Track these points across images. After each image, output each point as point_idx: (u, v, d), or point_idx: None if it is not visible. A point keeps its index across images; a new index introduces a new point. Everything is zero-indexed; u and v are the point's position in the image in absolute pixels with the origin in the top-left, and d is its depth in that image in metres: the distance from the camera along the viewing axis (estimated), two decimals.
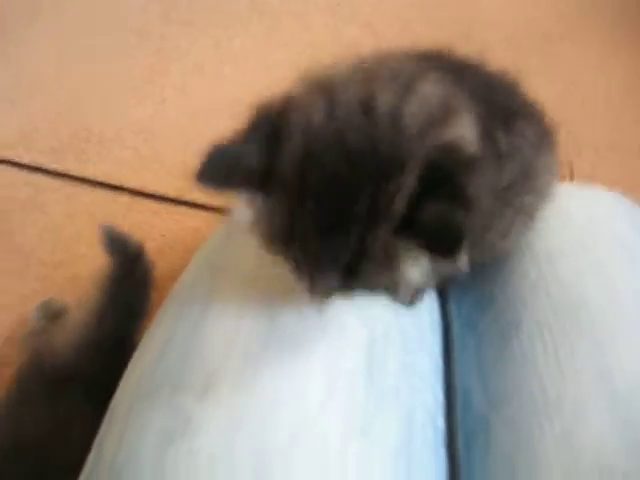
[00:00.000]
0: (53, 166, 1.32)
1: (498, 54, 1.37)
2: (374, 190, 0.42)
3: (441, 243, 0.41)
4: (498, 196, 0.52)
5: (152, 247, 1.19)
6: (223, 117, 1.30)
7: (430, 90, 0.47)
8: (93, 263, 1.19)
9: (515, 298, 0.61)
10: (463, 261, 0.44)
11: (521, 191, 0.57)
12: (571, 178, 1.22)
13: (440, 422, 0.59)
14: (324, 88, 0.47)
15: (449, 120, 0.45)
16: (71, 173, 1.30)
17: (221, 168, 0.46)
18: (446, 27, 1.47)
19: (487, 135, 0.48)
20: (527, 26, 1.47)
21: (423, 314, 0.66)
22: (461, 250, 0.41)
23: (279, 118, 0.48)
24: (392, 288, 0.49)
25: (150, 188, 1.27)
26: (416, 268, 0.46)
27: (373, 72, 0.48)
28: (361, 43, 1.46)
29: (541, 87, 1.31)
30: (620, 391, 0.49)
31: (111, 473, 0.50)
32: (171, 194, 1.26)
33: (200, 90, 1.39)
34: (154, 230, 1.22)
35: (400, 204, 0.42)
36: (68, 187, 1.29)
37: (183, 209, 1.24)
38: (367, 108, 0.44)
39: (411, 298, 0.63)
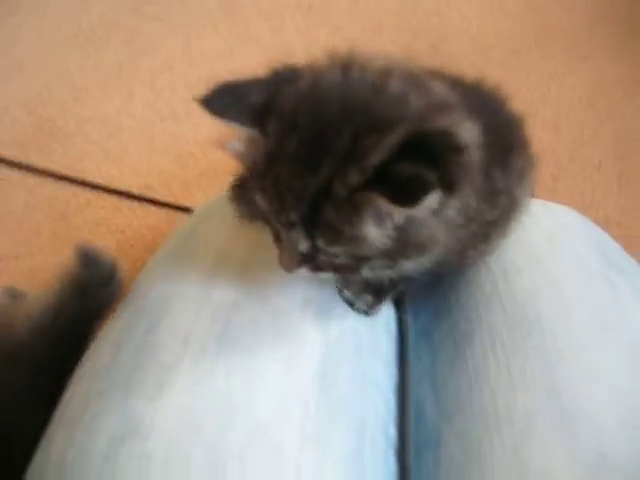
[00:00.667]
0: (16, 157, 1.30)
1: (466, 65, 1.39)
2: (357, 136, 0.43)
3: (405, 192, 0.42)
4: (485, 225, 0.54)
5: (112, 243, 1.19)
6: (190, 118, 1.31)
7: (439, 89, 0.49)
8: (52, 256, 1.19)
9: (470, 310, 0.62)
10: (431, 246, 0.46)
11: (504, 221, 0.58)
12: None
13: (392, 430, 0.60)
14: (346, 64, 0.49)
15: (450, 113, 0.46)
16: (34, 165, 1.28)
17: (226, 99, 0.48)
18: (417, 36, 1.48)
19: (486, 171, 0.49)
20: (496, 39, 1.48)
21: (378, 322, 0.66)
22: (422, 202, 0.42)
23: (293, 72, 0.51)
24: (353, 262, 0.49)
25: (113, 184, 1.26)
26: (378, 230, 0.46)
27: (395, 66, 0.49)
28: (331, 45, 1.46)
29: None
30: (567, 409, 0.50)
31: (59, 472, 0.50)
32: (134, 191, 1.25)
33: (168, 89, 1.39)
34: (114, 226, 1.21)
35: (377, 157, 0.43)
36: (30, 179, 1.28)
37: (145, 206, 1.23)
38: (378, 85, 0.46)
39: (369, 306, 0.63)
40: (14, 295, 0.96)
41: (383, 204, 0.43)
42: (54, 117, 1.36)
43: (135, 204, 1.24)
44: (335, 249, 0.47)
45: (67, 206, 1.24)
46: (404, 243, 0.47)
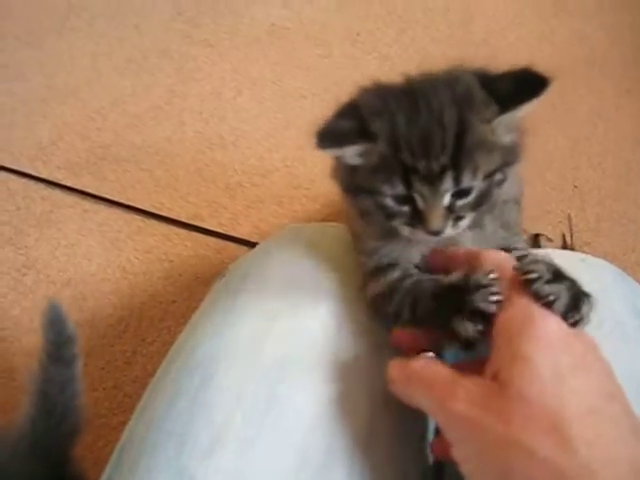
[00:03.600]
0: (69, 182, 1.34)
1: None
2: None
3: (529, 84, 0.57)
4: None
5: (160, 272, 1.23)
6: (237, 147, 1.34)
7: None
8: (101, 284, 1.23)
9: None
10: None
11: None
12: (570, 233, 1.24)
13: None
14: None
15: None
16: (87, 190, 1.32)
17: (331, 135, 0.56)
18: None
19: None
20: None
21: None
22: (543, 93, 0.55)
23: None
24: (485, 189, 0.56)
25: (163, 212, 1.29)
26: (508, 135, 0.56)
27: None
28: (378, 75, 1.48)
29: (552, 137, 1.34)
30: None
31: None
32: (183, 219, 1.28)
33: (217, 116, 1.42)
34: (164, 255, 1.25)
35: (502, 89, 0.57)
36: (83, 204, 1.32)
37: (194, 236, 1.26)
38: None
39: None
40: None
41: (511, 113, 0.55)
42: (107, 143, 1.39)
43: (184, 233, 1.27)
44: (475, 181, 0.54)
45: (118, 234, 1.28)
46: (515, 145, 0.57)
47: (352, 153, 0.55)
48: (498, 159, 0.55)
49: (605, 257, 1.09)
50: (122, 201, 1.32)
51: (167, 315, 1.19)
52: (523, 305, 0.49)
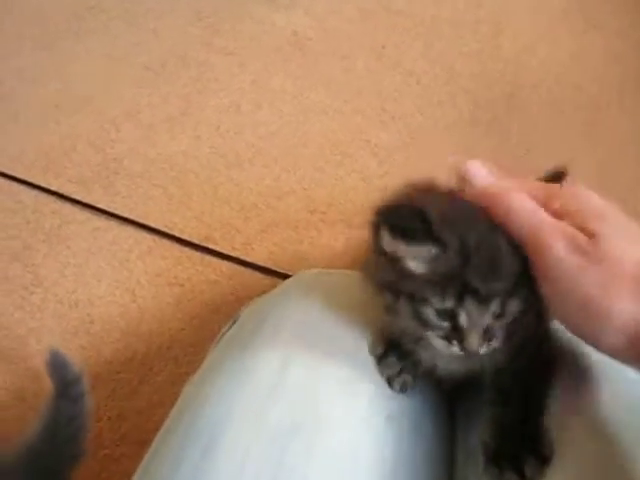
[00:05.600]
0: (81, 196, 1.31)
1: (539, 120, 1.35)
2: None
3: None
4: None
5: (170, 297, 1.20)
6: (254, 165, 1.30)
7: None
8: (109, 307, 1.20)
9: None
10: None
11: None
12: None
13: None
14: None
15: None
16: (98, 206, 1.29)
17: (409, 223, 0.52)
18: (492, 85, 1.44)
19: None
20: (574, 91, 1.43)
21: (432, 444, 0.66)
22: None
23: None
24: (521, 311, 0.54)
25: (175, 231, 1.26)
26: None
27: None
28: (403, 91, 1.43)
29: (582, 159, 1.29)
30: None
31: None
32: (195, 241, 1.24)
33: (233, 131, 1.37)
34: (174, 278, 1.22)
35: None
36: (94, 220, 1.29)
37: (205, 259, 1.23)
38: None
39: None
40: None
41: None
42: (121, 156, 1.36)
43: (196, 255, 1.24)
44: (518, 308, 0.53)
45: (129, 253, 1.25)
46: None
47: (416, 254, 0.52)
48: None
49: None
50: (134, 218, 1.28)
51: (175, 344, 1.16)
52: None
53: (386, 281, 0.56)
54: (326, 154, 1.33)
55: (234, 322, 0.79)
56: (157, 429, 0.63)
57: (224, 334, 0.77)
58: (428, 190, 0.57)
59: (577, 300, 0.49)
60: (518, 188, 0.54)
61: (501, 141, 1.34)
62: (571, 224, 0.51)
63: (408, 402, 0.65)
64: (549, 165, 1.31)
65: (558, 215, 0.52)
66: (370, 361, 0.64)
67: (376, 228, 0.53)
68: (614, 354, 0.50)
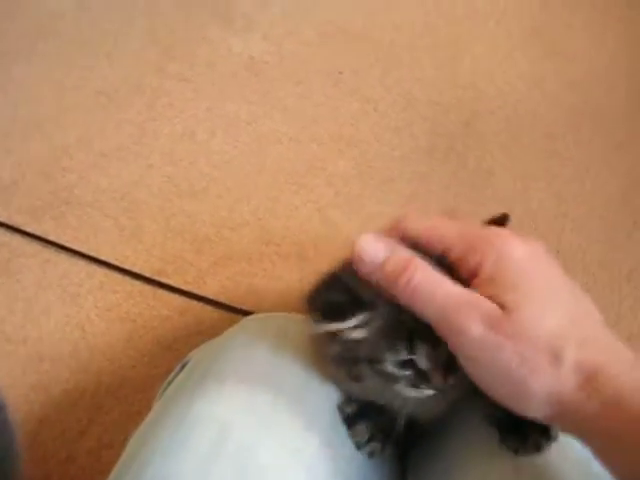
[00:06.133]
0: (30, 227, 1.28)
1: (495, 147, 1.34)
2: None
3: None
4: None
5: (122, 333, 1.17)
6: (207, 195, 1.28)
7: None
8: (59, 344, 1.17)
9: None
10: None
11: None
12: None
13: None
14: None
15: None
16: (49, 238, 1.26)
17: (329, 308, 0.54)
18: (449, 111, 1.43)
19: None
20: (531, 118, 1.43)
21: None
22: None
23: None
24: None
25: (127, 265, 1.23)
26: None
27: None
28: (360, 118, 1.42)
29: (537, 194, 1.29)
30: None
31: None
32: (147, 274, 1.22)
33: (187, 160, 1.35)
34: (125, 313, 1.19)
35: None
36: (44, 253, 1.26)
37: (157, 293, 1.21)
38: None
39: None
40: None
41: None
42: (72, 185, 1.33)
43: (148, 289, 1.21)
44: None
45: (80, 288, 1.22)
46: None
47: (353, 325, 0.53)
48: None
49: None
50: (85, 251, 1.26)
51: (125, 382, 1.13)
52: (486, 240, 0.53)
53: (340, 356, 0.57)
54: (281, 183, 1.31)
55: (182, 367, 0.77)
56: (107, 470, 0.62)
57: (171, 381, 0.76)
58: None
59: (498, 376, 0.49)
60: (419, 261, 0.53)
61: (458, 169, 1.33)
62: (483, 292, 0.50)
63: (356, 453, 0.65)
64: (505, 192, 1.31)
65: (472, 274, 0.52)
66: (317, 412, 0.64)
67: (310, 320, 0.56)
68: (543, 421, 0.51)
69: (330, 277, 0.57)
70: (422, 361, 0.54)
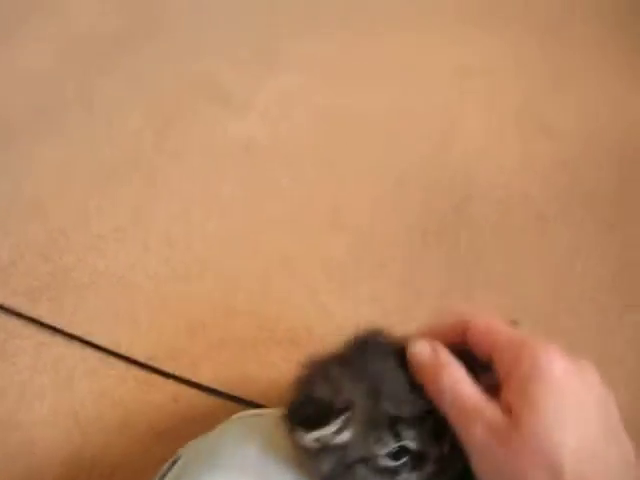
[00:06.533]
0: (26, 309, 1.29)
1: (489, 229, 1.36)
2: None
3: None
4: None
5: (114, 420, 1.17)
6: (202, 279, 1.29)
7: None
8: (52, 429, 1.17)
9: None
10: None
11: None
12: None
13: None
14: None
15: None
16: (44, 320, 1.27)
17: (307, 418, 0.56)
18: (441, 195, 1.45)
19: None
20: (522, 200, 1.45)
21: None
22: None
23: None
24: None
25: (121, 349, 1.24)
26: None
27: None
28: (354, 200, 1.45)
29: (529, 278, 1.30)
30: None
31: None
32: (141, 359, 1.23)
33: (183, 243, 1.37)
34: (119, 399, 1.20)
35: None
36: (39, 335, 1.27)
37: (151, 379, 1.21)
38: None
39: None
40: None
41: None
42: (69, 267, 1.35)
43: (141, 375, 1.22)
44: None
45: (73, 371, 1.23)
46: None
47: (335, 430, 0.55)
48: None
49: None
50: (80, 335, 1.27)
51: (118, 469, 1.14)
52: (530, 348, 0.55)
53: (329, 468, 0.58)
54: (275, 268, 1.33)
55: (173, 463, 0.78)
56: None
57: (163, 476, 0.76)
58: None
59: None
60: (454, 362, 0.57)
61: (450, 253, 1.35)
62: (505, 397, 0.53)
63: None
64: (497, 275, 1.32)
65: (505, 377, 0.55)
66: None
67: (292, 432, 0.55)
68: None
69: (302, 385, 0.61)
70: (413, 444, 0.55)
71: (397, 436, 0.55)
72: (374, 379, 0.57)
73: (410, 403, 0.56)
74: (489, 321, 0.60)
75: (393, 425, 0.55)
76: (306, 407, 0.57)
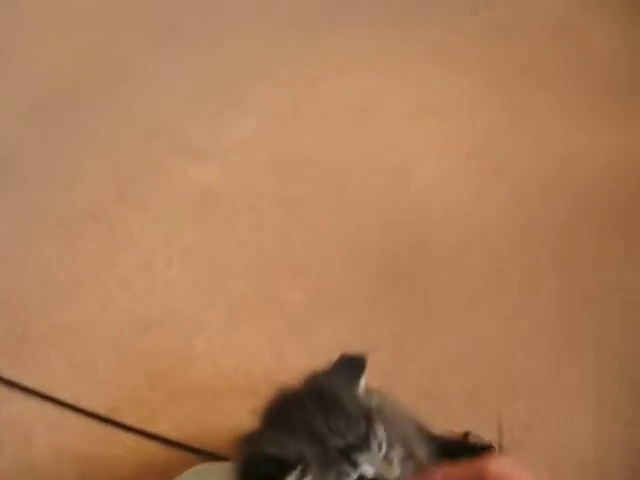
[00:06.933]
0: None
1: (446, 269, 1.37)
2: None
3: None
4: None
5: (73, 475, 1.17)
6: (162, 329, 1.30)
7: None
8: None
9: None
10: None
11: None
12: (500, 432, 1.21)
13: None
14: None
15: None
16: (3, 375, 1.27)
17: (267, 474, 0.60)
18: (397, 233, 1.48)
19: None
20: (478, 237, 1.48)
21: None
22: None
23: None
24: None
25: (81, 403, 1.24)
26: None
27: None
28: (311, 245, 1.46)
29: (484, 315, 1.32)
30: None
31: None
32: (101, 412, 1.23)
33: (144, 292, 1.38)
34: (79, 454, 1.20)
35: None
36: None
37: (111, 432, 1.21)
38: None
39: None
40: None
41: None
42: (27, 321, 1.35)
43: (101, 428, 1.22)
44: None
45: (33, 427, 1.22)
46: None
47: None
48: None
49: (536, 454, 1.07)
50: (39, 389, 1.26)
51: None
52: None
53: None
54: (234, 314, 1.34)
55: None
56: None
57: None
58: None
59: None
60: None
61: (407, 294, 1.37)
62: None
63: None
64: (454, 315, 1.33)
65: None
66: None
67: None
68: None
69: (253, 443, 0.64)
70: (369, 468, 0.60)
71: (354, 464, 0.59)
72: (313, 424, 0.61)
73: (354, 430, 0.60)
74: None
75: (347, 455, 0.59)
76: (260, 466, 0.61)
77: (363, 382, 0.69)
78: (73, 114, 1.71)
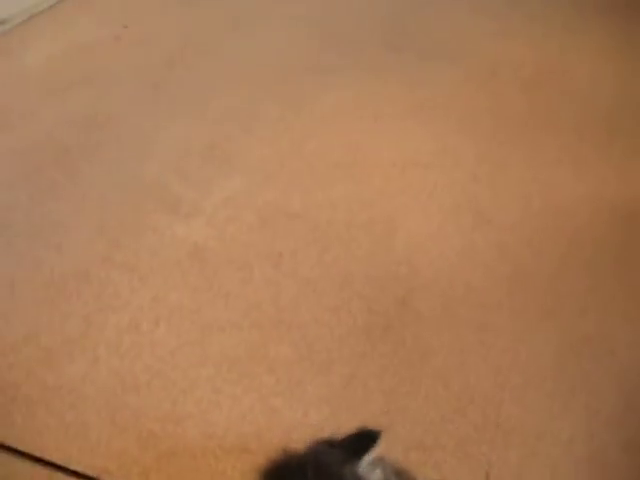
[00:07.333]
0: None
1: (434, 322, 1.39)
2: None
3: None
4: None
5: None
6: (151, 389, 1.30)
7: None
8: None
9: None
10: None
11: None
12: None
13: None
14: None
15: None
16: None
17: None
18: (385, 287, 1.49)
19: None
20: (466, 291, 1.49)
21: None
22: None
23: None
24: None
25: (72, 464, 1.23)
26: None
27: None
28: (299, 299, 1.48)
29: (474, 368, 1.33)
30: None
31: None
32: (91, 472, 1.22)
33: (132, 352, 1.38)
34: None
35: None
36: None
37: None
38: None
39: None
40: None
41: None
42: (19, 382, 1.35)
43: None
44: None
45: None
46: None
47: None
48: None
49: None
50: (29, 451, 1.26)
51: None
52: None
53: None
54: (223, 373, 1.34)
55: None
56: None
57: None
58: None
59: None
60: None
61: (396, 347, 1.38)
62: None
63: None
64: (443, 368, 1.34)
65: None
66: None
67: None
68: None
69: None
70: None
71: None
72: None
73: None
74: None
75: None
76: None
77: (370, 457, 0.71)
78: (62, 178, 1.74)
